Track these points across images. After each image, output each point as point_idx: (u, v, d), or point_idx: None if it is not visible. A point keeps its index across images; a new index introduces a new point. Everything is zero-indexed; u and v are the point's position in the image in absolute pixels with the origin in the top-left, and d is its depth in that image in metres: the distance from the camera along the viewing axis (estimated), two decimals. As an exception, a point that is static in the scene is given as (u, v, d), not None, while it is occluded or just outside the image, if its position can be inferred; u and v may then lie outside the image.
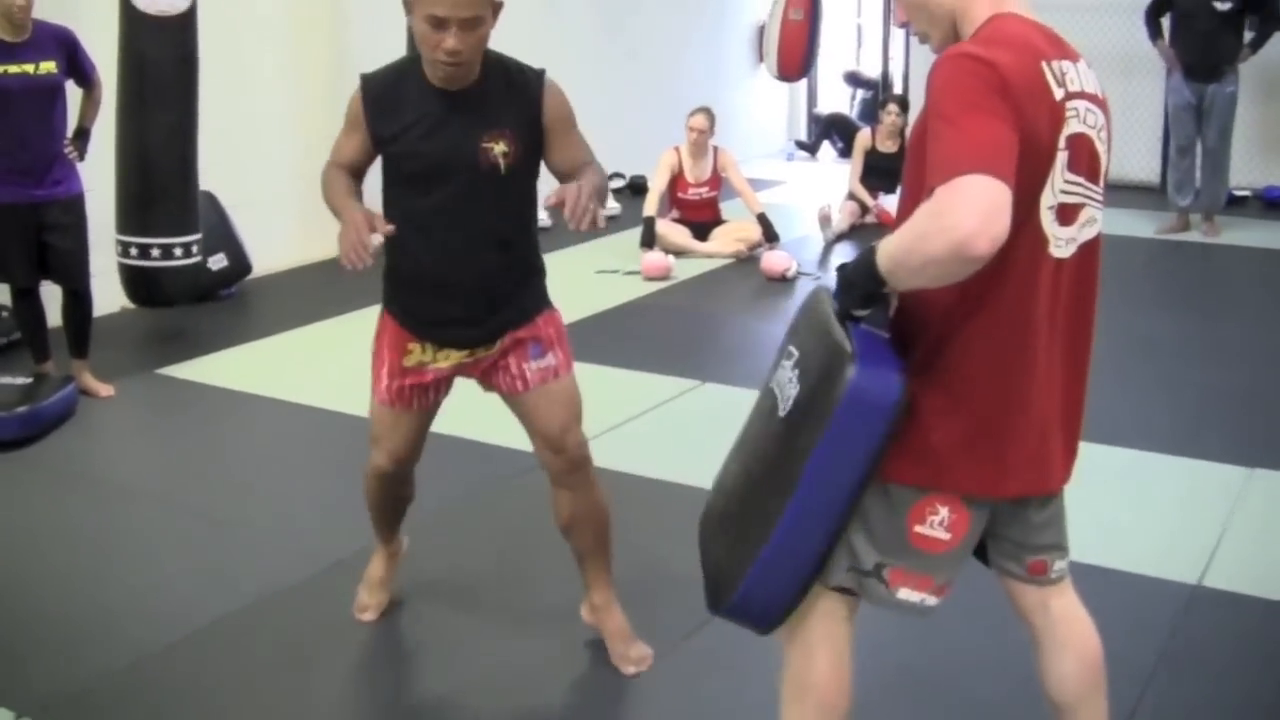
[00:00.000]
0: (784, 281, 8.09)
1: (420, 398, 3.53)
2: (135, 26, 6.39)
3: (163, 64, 6.43)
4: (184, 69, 6.52)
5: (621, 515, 4.51)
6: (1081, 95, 2.33)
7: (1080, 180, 2.33)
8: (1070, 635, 2.60)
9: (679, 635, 3.79)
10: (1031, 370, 2.35)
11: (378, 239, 3.09)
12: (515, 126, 3.31)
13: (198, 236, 6.70)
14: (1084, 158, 2.33)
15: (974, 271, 2.09)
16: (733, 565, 2.45)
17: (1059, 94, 2.27)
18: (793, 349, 2.47)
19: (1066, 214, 2.33)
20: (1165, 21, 9.28)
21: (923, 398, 2.34)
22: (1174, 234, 9.43)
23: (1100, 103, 2.38)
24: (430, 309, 3.41)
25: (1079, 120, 2.31)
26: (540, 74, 3.39)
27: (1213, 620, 3.90)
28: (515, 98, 3.33)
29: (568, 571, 3.84)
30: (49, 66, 5.60)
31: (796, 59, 11.72)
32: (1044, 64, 2.27)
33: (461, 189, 3.30)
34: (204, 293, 7.04)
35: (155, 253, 6.52)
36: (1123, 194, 10.46)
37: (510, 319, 3.44)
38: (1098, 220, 2.41)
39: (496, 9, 3.22)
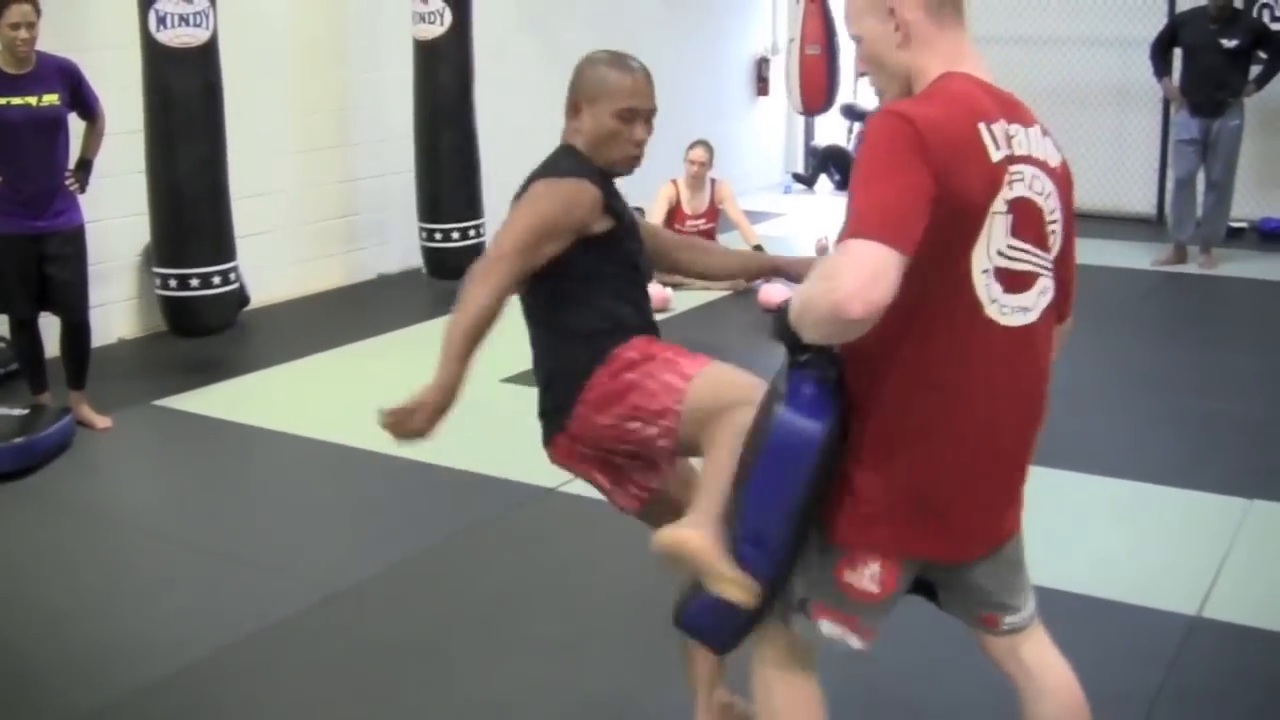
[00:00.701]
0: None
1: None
2: (158, 60, 6.45)
3: (188, 96, 6.52)
4: (209, 98, 6.61)
5: (618, 548, 4.51)
6: (1029, 160, 2.31)
7: (1027, 247, 2.31)
8: (1045, 681, 2.58)
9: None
10: (969, 434, 2.34)
11: None
12: None
13: (234, 264, 6.76)
14: (1031, 224, 2.31)
15: (858, 333, 2.11)
16: (693, 586, 2.51)
17: (997, 155, 2.25)
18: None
19: (1015, 281, 2.30)
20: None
21: (854, 456, 2.36)
22: (1171, 265, 9.44)
23: (1051, 170, 2.36)
24: None
25: (1024, 185, 2.29)
26: None
27: (1212, 651, 3.89)
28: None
29: (563, 603, 3.85)
30: (51, 99, 5.62)
31: (819, 91, 11.83)
32: (982, 124, 2.25)
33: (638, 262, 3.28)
34: (222, 324, 7.06)
35: (194, 283, 6.57)
36: (1120, 226, 10.49)
37: None
38: (1050, 290, 2.39)
39: None
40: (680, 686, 3.71)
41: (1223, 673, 3.78)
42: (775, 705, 2.58)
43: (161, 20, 6.37)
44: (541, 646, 3.93)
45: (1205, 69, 9.01)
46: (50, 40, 5.71)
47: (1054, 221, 2.36)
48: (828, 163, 13.42)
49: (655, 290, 8.13)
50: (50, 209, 5.68)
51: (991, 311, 2.29)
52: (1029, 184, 2.30)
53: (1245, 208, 10.39)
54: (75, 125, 5.86)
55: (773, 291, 8.24)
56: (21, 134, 5.54)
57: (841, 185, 12.33)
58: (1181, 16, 9.47)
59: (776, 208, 12.13)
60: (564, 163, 3.20)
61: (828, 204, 12.15)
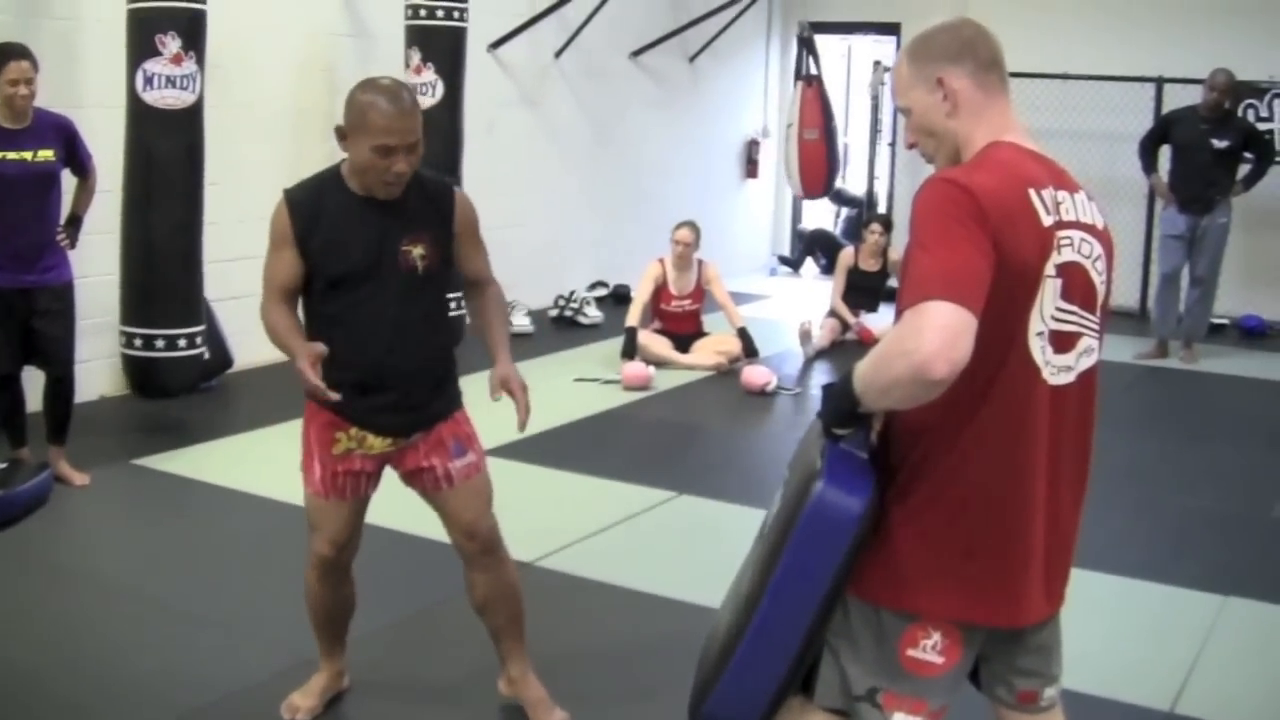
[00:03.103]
0: (763, 395, 8.11)
1: (352, 486, 3.65)
2: (142, 120, 6.47)
3: (170, 157, 6.53)
4: (190, 162, 6.62)
5: (592, 624, 4.50)
6: (1076, 225, 2.36)
7: (1075, 309, 2.36)
8: None
9: (648, 746, 3.77)
10: (1025, 498, 2.36)
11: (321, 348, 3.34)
12: (431, 231, 3.53)
13: (201, 328, 6.77)
14: (1078, 287, 2.36)
15: (937, 394, 2.13)
16: (711, 677, 2.47)
17: (1048, 220, 2.30)
18: (787, 474, 2.51)
19: (1061, 341, 2.35)
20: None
21: (910, 522, 2.36)
22: (1153, 360, 9.51)
23: (1098, 233, 2.42)
24: (358, 399, 3.52)
25: (1073, 249, 2.34)
26: (451, 186, 3.65)
27: (1184, 748, 3.89)
28: (431, 206, 3.55)
29: (539, 672, 3.84)
30: (47, 154, 5.65)
31: (819, 175, 11.90)
32: (1032, 191, 2.30)
33: (382, 289, 3.49)
34: (188, 386, 7.05)
35: (159, 343, 6.57)
36: (1102, 319, 10.54)
37: (435, 412, 3.63)
38: (1095, 350, 2.44)
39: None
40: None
41: (1194, 770, 3.78)
42: None
43: (149, 81, 6.41)
44: (516, 717, 3.91)
45: (1196, 167, 9.12)
46: (45, 98, 5.74)
47: (1101, 283, 2.42)
48: (814, 246, 13.52)
49: (637, 369, 8.16)
50: (40, 264, 5.69)
51: (1046, 374, 2.34)
52: (1077, 248, 2.35)
53: (1227, 304, 10.49)
54: (67, 181, 5.88)
55: (755, 374, 8.27)
56: (15, 188, 5.56)
57: (827, 269, 12.40)
58: (1173, 115, 9.58)
59: (762, 290, 12.21)
60: (308, 180, 3.60)
61: (813, 287, 12.21)
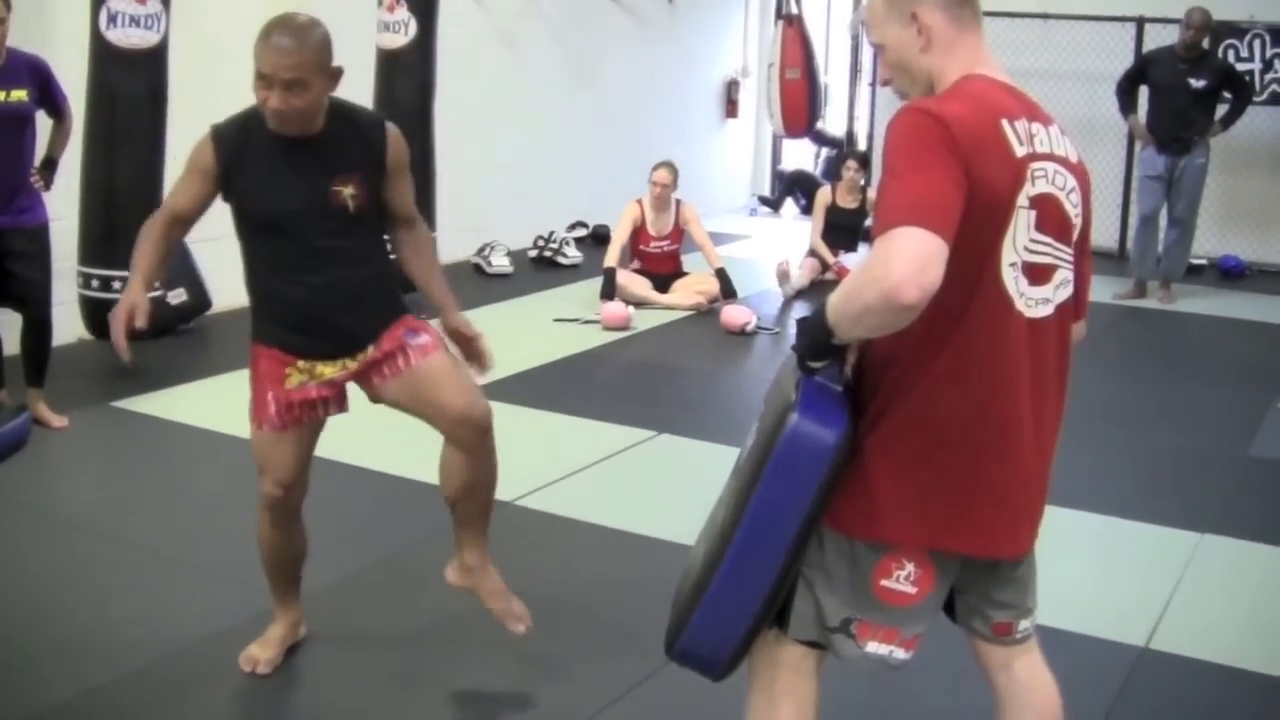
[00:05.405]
0: (743, 335, 8.12)
1: (309, 413, 3.67)
2: (106, 60, 6.41)
3: (133, 98, 6.47)
4: (154, 104, 6.55)
5: (571, 563, 4.52)
6: (1050, 157, 2.36)
7: (1050, 241, 2.36)
8: (1032, 697, 2.62)
9: (627, 684, 3.79)
10: (1006, 430, 2.37)
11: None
12: (362, 170, 3.50)
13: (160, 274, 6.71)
14: (1053, 219, 2.36)
15: (909, 320, 2.13)
16: (685, 611, 2.48)
17: (1020, 151, 2.30)
18: (762, 408, 2.52)
19: (1037, 273, 2.35)
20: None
21: (883, 453, 2.36)
22: (1132, 300, 9.53)
23: (1072, 166, 2.42)
24: (301, 336, 3.58)
25: (1047, 181, 2.34)
26: (383, 121, 3.61)
27: (1159, 682, 3.93)
28: (361, 143, 3.52)
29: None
30: (20, 95, 5.58)
31: (801, 114, 11.87)
32: (1004, 121, 2.30)
33: (315, 229, 3.48)
34: (163, 327, 7.02)
35: (116, 285, 6.53)
36: (1081, 259, 10.56)
37: (377, 327, 3.61)
38: (1071, 283, 2.45)
39: (330, 74, 3.43)
40: (637, 703, 3.72)
41: (1167, 704, 3.82)
42: None
43: (112, 19, 6.34)
44: (494, 658, 3.93)
45: (1173, 108, 9.11)
46: (16, 38, 5.67)
47: (1076, 215, 2.42)
48: (794, 187, 13.47)
49: (616, 309, 8.15)
50: (14, 205, 5.64)
51: (1020, 305, 2.34)
52: (1051, 179, 2.35)
53: (1205, 245, 10.52)
54: (43, 123, 5.83)
55: (734, 314, 8.27)
56: (-13, 129, 5.51)
57: (807, 210, 12.37)
58: (1150, 55, 9.56)
59: (742, 230, 12.18)
60: (236, 116, 3.60)
61: (793, 228, 12.20)
